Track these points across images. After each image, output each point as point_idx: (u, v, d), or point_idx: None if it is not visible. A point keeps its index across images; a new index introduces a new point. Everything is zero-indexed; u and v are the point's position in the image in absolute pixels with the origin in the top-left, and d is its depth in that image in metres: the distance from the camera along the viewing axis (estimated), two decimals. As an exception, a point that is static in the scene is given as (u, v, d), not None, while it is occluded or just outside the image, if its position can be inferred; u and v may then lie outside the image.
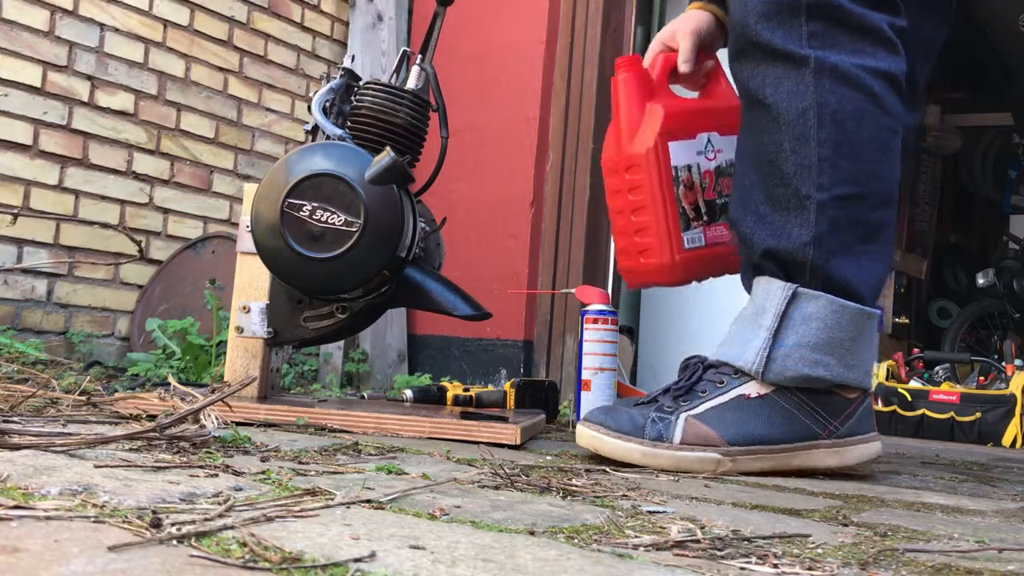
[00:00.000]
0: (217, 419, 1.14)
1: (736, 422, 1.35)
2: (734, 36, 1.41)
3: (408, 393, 1.89)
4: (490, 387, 2.09)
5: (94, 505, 0.69)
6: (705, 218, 1.61)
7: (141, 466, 0.89)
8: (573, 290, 2.22)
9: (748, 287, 1.46)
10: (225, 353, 1.63)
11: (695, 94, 1.68)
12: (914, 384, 3.52)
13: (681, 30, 1.61)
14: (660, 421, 1.35)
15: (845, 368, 1.37)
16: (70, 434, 0.99)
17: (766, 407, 1.36)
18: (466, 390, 1.92)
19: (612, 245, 3.23)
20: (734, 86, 1.49)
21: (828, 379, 1.36)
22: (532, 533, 0.74)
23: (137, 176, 2.79)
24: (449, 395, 1.89)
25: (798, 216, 1.35)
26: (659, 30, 1.77)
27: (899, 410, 3.39)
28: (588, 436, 1.37)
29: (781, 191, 1.36)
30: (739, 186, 1.45)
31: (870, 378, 1.40)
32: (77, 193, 2.64)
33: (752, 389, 1.37)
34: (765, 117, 1.37)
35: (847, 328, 1.36)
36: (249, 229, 1.54)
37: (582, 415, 1.41)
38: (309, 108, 1.60)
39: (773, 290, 1.37)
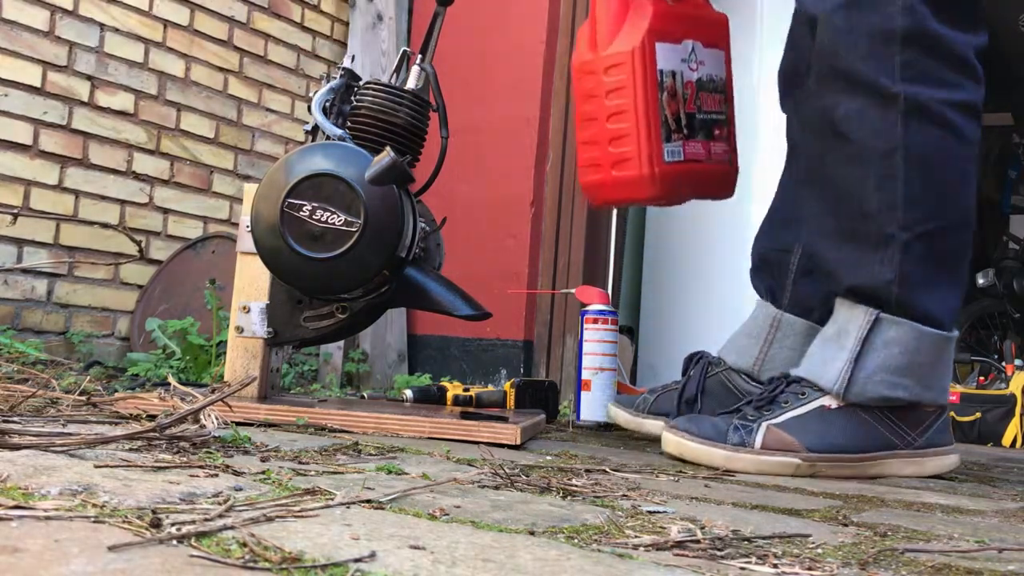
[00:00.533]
0: (217, 419, 1.14)
1: (816, 432, 1.39)
2: (818, 59, 1.40)
3: (408, 393, 1.89)
4: (490, 387, 2.09)
5: (94, 505, 0.69)
6: (685, 131, 1.54)
7: (141, 466, 0.89)
8: (573, 290, 2.22)
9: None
10: (225, 353, 1.63)
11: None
12: (914, 384, 3.51)
13: None
14: (742, 428, 1.40)
15: (923, 389, 1.41)
16: (70, 434, 0.99)
17: (846, 418, 1.40)
18: (466, 390, 1.92)
19: (612, 245, 3.23)
20: (794, 116, 1.53)
21: (906, 399, 1.40)
22: (532, 533, 0.74)
23: (137, 176, 2.79)
24: (449, 395, 1.90)
25: (881, 254, 1.38)
26: None
27: (899, 410, 3.38)
28: (675, 442, 1.43)
29: (862, 227, 1.39)
30: (815, 217, 1.48)
31: (947, 395, 1.45)
32: (77, 193, 2.64)
33: (833, 401, 1.41)
34: (845, 150, 1.38)
35: (927, 353, 1.40)
36: (249, 229, 1.54)
37: (668, 423, 1.46)
38: (309, 108, 1.60)
39: (856, 314, 1.41)
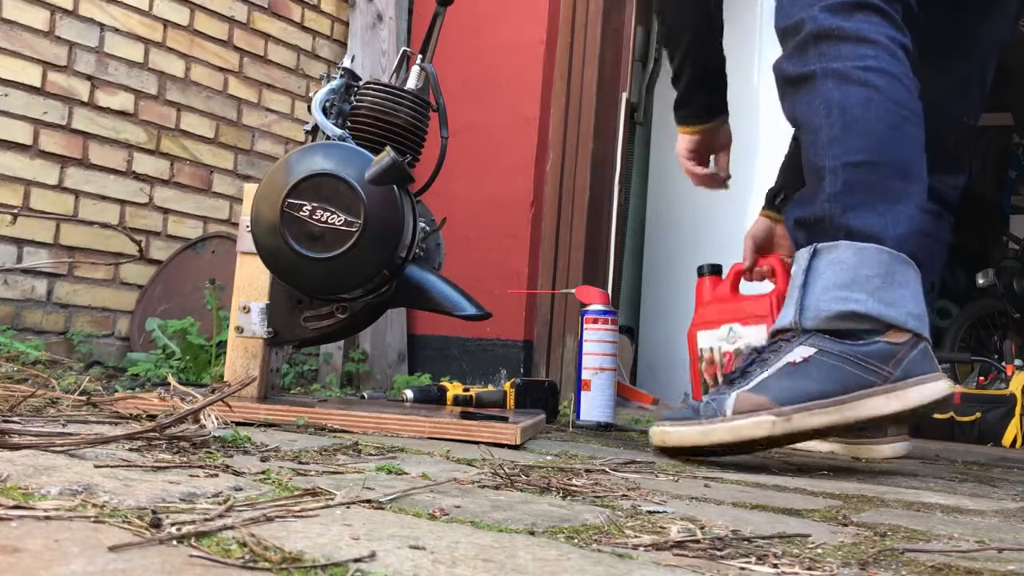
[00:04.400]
0: (217, 419, 1.14)
1: (785, 386, 1.38)
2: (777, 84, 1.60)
3: (408, 393, 1.89)
4: (490, 387, 2.09)
5: (94, 505, 0.69)
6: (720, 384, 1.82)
7: (141, 466, 0.89)
8: (573, 290, 2.22)
9: None
10: (225, 353, 1.63)
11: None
12: (914, 384, 3.51)
13: (745, 234, 2.02)
14: (714, 401, 1.42)
15: (880, 304, 1.38)
16: (70, 434, 0.99)
17: (812, 367, 1.38)
18: (466, 390, 1.93)
19: (612, 245, 3.23)
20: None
21: (862, 312, 1.38)
22: (532, 533, 0.74)
23: (137, 176, 2.79)
24: (449, 395, 1.90)
25: (818, 186, 1.47)
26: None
27: (899, 410, 3.38)
28: (659, 433, 1.47)
29: (809, 178, 1.50)
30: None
31: (920, 323, 1.40)
32: (77, 193, 2.64)
33: (797, 355, 1.40)
34: (802, 135, 1.52)
35: (871, 266, 1.40)
36: (249, 229, 1.54)
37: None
38: (309, 108, 1.60)
39: (801, 256, 1.47)
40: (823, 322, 1.40)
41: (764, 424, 1.36)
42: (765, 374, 1.41)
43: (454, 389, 1.92)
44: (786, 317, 1.45)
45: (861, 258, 1.40)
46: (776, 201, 2.01)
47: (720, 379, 1.68)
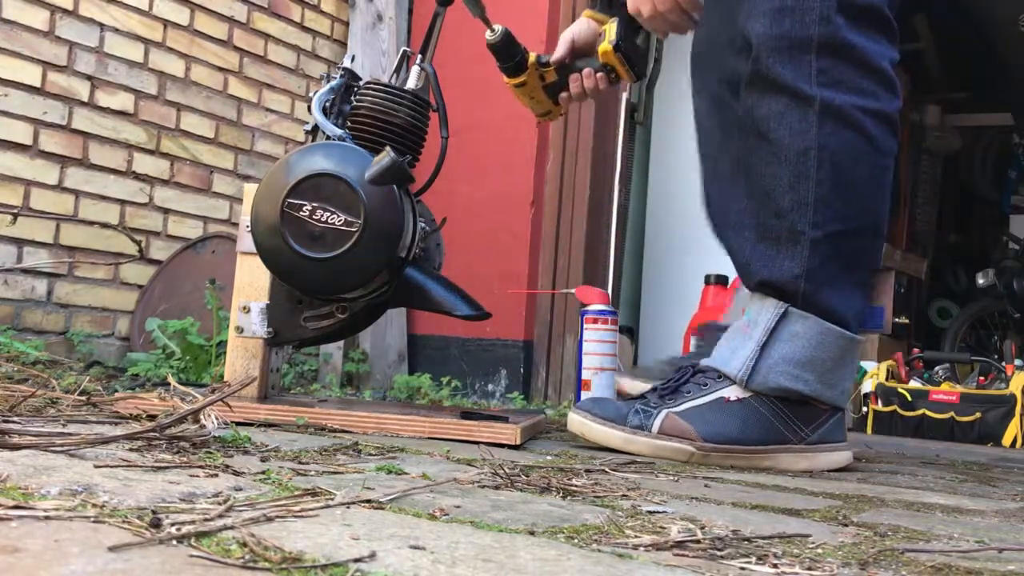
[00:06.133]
0: (217, 419, 1.14)
1: (713, 421, 1.44)
2: (745, 62, 1.47)
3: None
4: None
5: (94, 505, 0.69)
6: None
7: (141, 466, 0.89)
8: (573, 290, 2.22)
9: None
10: (225, 353, 1.63)
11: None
12: (914, 384, 3.52)
13: (562, 35, 1.75)
14: (642, 413, 1.46)
15: (823, 386, 1.45)
16: (70, 434, 0.99)
17: (743, 411, 1.45)
18: None
19: (612, 245, 3.23)
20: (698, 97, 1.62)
21: (805, 394, 1.44)
22: (532, 533, 0.74)
23: (137, 176, 2.79)
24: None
25: (791, 250, 1.44)
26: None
27: (899, 410, 3.39)
28: (578, 422, 1.51)
29: (775, 223, 1.44)
30: (732, 208, 1.54)
31: (846, 398, 1.50)
32: (77, 193, 2.64)
33: (732, 393, 1.46)
34: (766, 150, 1.44)
35: (830, 349, 1.44)
36: (249, 229, 1.54)
37: (575, 404, 1.56)
38: (309, 108, 1.60)
39: (767, 306, 1.46)
40: (765, 390, 1.44)
41: (683, 452, 1.44)
42: (697, 401, 1.46)
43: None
44: (731, 366, 1.46)
45: (823, 340, 1.44)
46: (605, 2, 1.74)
47: (654, 386, 1.65)
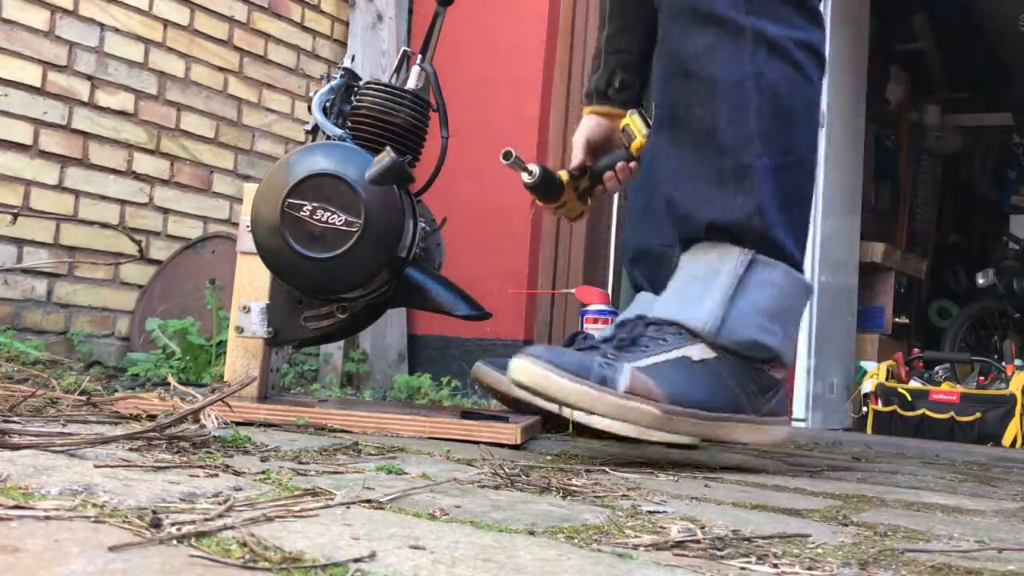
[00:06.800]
0: (217, 419, 1.14)
1: (678, 382, 1.31)
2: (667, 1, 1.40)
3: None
4: None
5: (94, 505, 0.69)
6: None
7: (141, 466, 0.89)
8: (573, 290, 2.22)
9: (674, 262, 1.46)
10: (225, 353, 1.63)
11: None
12: (914, 384, 3.52)
13: (575, 140, 1.76)
14: (608, 367, 1.28)
15: (786, 340, 1.37)
16: (70, 434, 0.99)
17: (707, 373, 1.33)
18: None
19: (613, 245, 3.23)
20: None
21: (773, 348, 1.35)
22: (532, 533, 0.74)
23: (137, 176, 2.79)
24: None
25: (740, 185, 1.34)
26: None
27: (899, 410, 3.39)
28: (534, 372, 1.26)
29: (720, 161, 1.35)
30: (667, 160, 1.43)
31: (791, 356, 1.42)
32: (77, 193, 2.64)
33: (696, 352, 1.33)
34: (699, 88, 1.36)
35: (795, 297, 1.37)
36: (249, 229, 1.54)
37: (524, 350, 1.32)
38: (309, 108, 1.60)
39: (730, 253, 1.35)
40: (734, 344, 1.33)
41: (647, 415, 1.28)
42: (660, 357, 1.32)
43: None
44: (695, 318, 1.33)
45: (790, 287, 1.36)
46: (610, 91, 1.75)
47: (607, 334, 1.48)
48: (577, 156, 1.74)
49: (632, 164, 1.72)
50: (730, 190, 1.35)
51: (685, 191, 1.39)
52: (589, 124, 1.76)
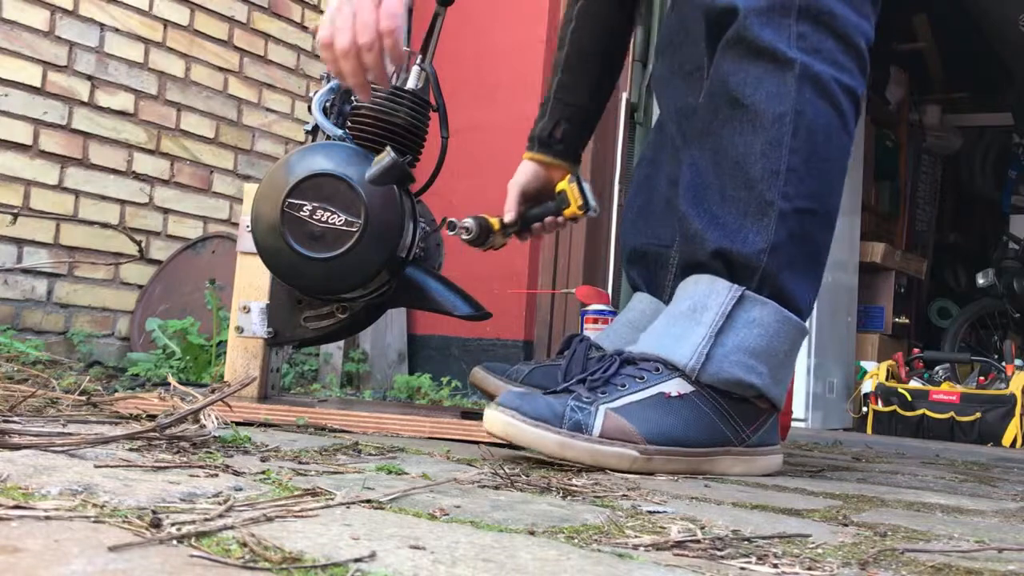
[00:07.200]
0: (217, 419, 1.14)
1: (655, 420, 1.29)
2: (720, 28, 1.39)
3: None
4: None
5: (94, 505, 0.69)
6: None
7: (141, 466, 0.89)
8: (573, 290, 2.22)
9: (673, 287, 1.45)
10: (225, 353, 1.63)
11: None
12: (914, 384, 3.52)
13: (511, 183, 1.75)
14: (580, 411, 1.26)
15: (773, 381, 1.34)
16: (70, 434, 0.99)
17: (685, 408, 1.31)
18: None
19: (613, 245, 3.23)
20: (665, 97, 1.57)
21: (758, 388, 1.32)
22: (532, 533, 0.74)
23: (137, 176, 2.79)
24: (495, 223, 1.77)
25: (757, 222, 1.33)
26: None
27: (899, 410, 3.39)
28: (502, 423, 1.25)
29: (743, 194, 1.34)
30: (693, 181, 1.41)
31: (784, 398, 1.39)
32: (77, 193, 2.64)
33: (673, 388, 1.31)
34: (740, 117, 1.35)
35: (785, 340, 1.35)
36: (249, 229, 1.54)
37: (495, 400, 1.31)
38: (309, 108, 1.60)
39: (718, 289, 1.34)
40: (719, 382, 1.31)
41: (626, 459, 1.26)
42: (635, 396, 1.30)
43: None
44: (678, 354, 1.31)
45: (780, 329, 1.34)
46: (551, 141, 1.75)
47: (580, 377, 1.45)
48: (510, 206, 1.73)
49: (559, 219, 1.74)
50: (746, 226, 1.33)
51: (701, 209, 1.37)
52: (526, 171, 1.76)
